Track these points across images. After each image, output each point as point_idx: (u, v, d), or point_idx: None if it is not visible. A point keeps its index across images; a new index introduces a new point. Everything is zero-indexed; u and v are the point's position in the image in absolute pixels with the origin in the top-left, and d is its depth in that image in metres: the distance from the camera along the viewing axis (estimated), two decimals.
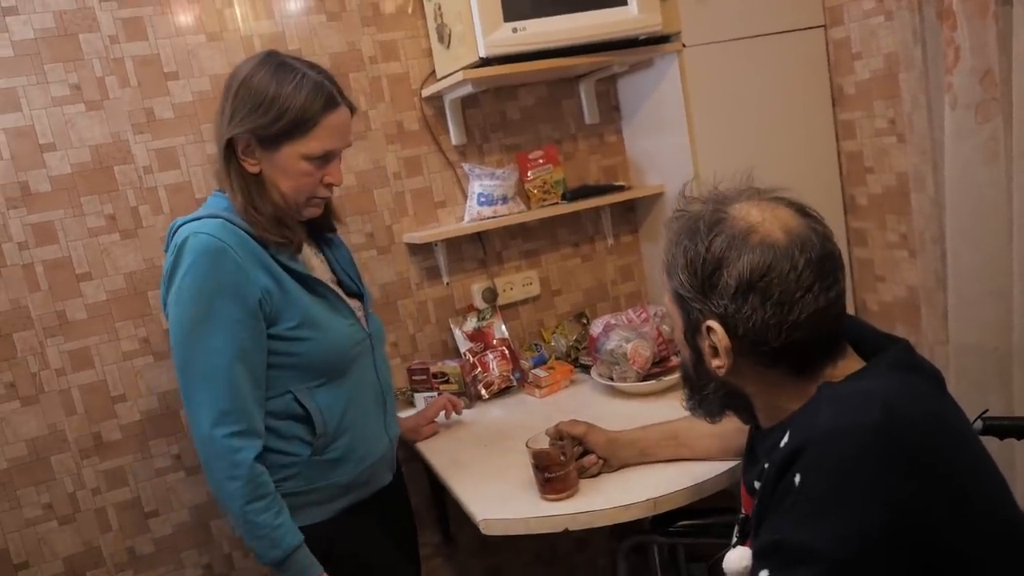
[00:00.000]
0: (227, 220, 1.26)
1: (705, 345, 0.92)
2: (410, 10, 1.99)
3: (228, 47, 1.85)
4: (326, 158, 1.31)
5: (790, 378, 0.89)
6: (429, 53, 2.01)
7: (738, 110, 1.99)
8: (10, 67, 1.67)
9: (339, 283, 1.46)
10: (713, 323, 0.88)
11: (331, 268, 1.48)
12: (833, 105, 2.09)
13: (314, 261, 1.44)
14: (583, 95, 2.18)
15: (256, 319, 1.25)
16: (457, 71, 1.78)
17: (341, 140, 1.32)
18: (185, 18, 1.80)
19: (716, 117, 1.98)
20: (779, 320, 0.84)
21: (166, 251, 1.29)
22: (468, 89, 1.86)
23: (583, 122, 2.20)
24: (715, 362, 0.91)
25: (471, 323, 2.08)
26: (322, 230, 1.48)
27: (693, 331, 0.93)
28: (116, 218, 1.78)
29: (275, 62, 1.29)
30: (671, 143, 2.04)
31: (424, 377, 1.99)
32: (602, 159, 2.24)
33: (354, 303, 1.44)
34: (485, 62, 1.74)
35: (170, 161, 1.81)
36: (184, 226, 1.26)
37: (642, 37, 1.85)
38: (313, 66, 1.32)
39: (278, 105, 1.25)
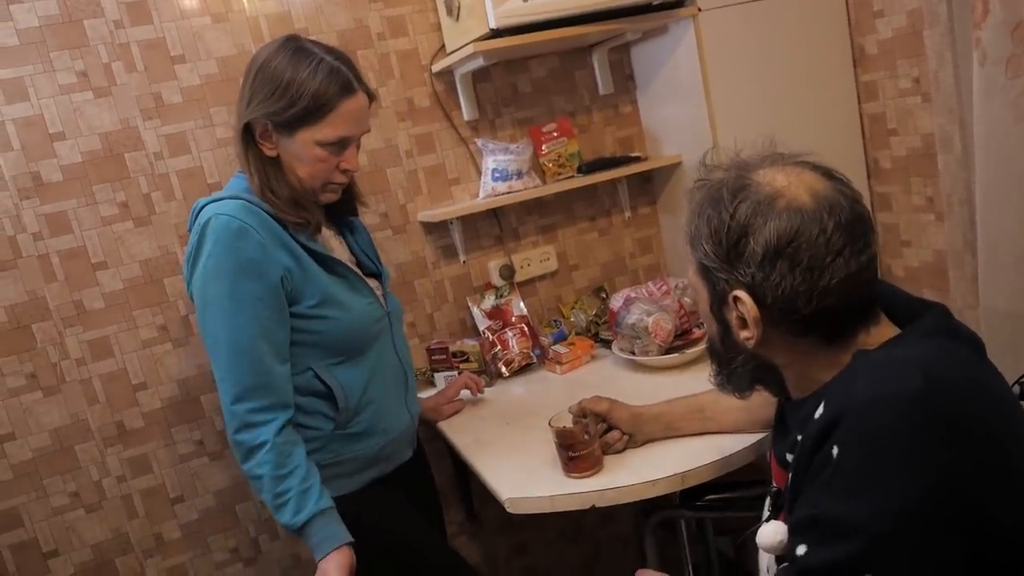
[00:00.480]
0: (248, 201, 1.27)
1: (732, 317, 0.88)
2: None
3: (234, 28, 1.82)
4: (341, 144, 1.31)
5: (822, 347, 0.86)
6: (438, 27, 1.97)
7: (757, 75, 1.94)
8: (16, 56, 1.66)
9: (358, 264, 1.46)
10: (740, 293, 0.85)
11: (351, 250, 1.48)
12: (854, 66, 2.03)
13: (333, 242, 1.45)
14: (596, 65, 2.14)
15: (278, 297, 1.26)
16: (467, 44, 1.74)
17: (357, 126, 1.32)
18: (190, 0, 1.77)
19: (734, 83, 1.92)
20: (809, 286, 0.81)
21: (189, 231, 1.30)
22: (479, 63, 1.82)
23: (597, 93, 2.16)
24: (744, 333, 0.88)
25: (489, 301, 2.06)
26: (344, 213, 1.49)
27: (719, 303, 0.90)
28: (129, 206, 1.77)
29: (293, 47, 1.29)
30: (688, 112, 1.99)
31: (443, 357, 1.97)
32: (617, 130, 2.20)
33: (372, 283, 1.45)
34: (496, 33, 1.70)
35: (181, 146, 1.79)
36: (207, 207, 1.28)
37: (655, 2, 1.80)
38: (332, 51, 1.30)
39: (293, 90, 1.25)
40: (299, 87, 1.25)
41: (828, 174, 0.86)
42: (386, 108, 1.96)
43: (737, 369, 0.95)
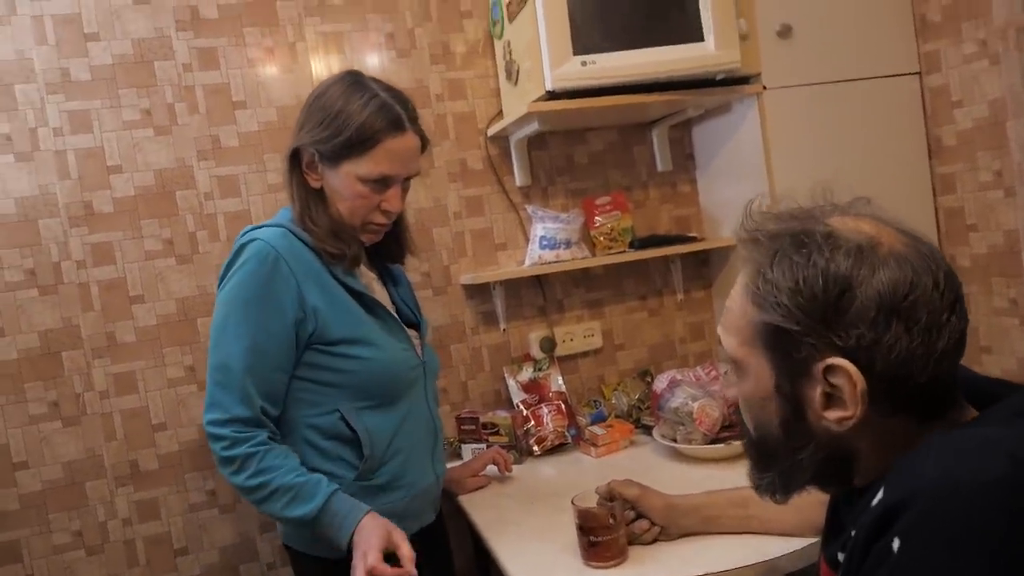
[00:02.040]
0: (289, 230, 1.26)
1: (815, 394, 0.71)
2: (480, 49, 1.95)
3: (297, 80, 1.84)
4: (384, 182, 1.28)
5: (911, 428, 0.70)
6: (497, 93, 1.97)
7: (823, 160, 1.84)
8: (87, 90, 1.71)
9: (397, 311, 1.42)
10: (838, 360, 0.68)
11: (391, 297, 1.45)
12: (930, 157, 1.91)
13: (374, 285, 1.42)
14: (655, 141, 2.09)
15: (288, 333, 1.23)
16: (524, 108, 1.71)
17: (402, 166, 1.29)
18: (257, 51, 1.82)
19: (798, 167, 1.83)
20: (927, 349, 0.67)
21: None
22: (534, 127, 1.79)
23: (655, 169, 2.11)
24: (836, 413, 0.70)
25: (527, 373, 1.97)
26: (388, 259, 1.46)
27: (796, 377, 0.72)
28: (173, 242, 1.76)
29: (351, 80, 1.29)
30: (749, 194, 1.84)
31: (473, 427, 1.86)
32: (674, 209, 2.13)
33: (411, 332, 1.41)
34: (552, 96, 1.67)
35: (231, 188, 1.80)
36: (251, 231, 1.27)
37: (719, 76, 1.75)
38: (390, 89, 1.29)
39: (341, 120, 1.24)
40: (347, 118, 1.24)
41: (899, 223, 0.74)
42: (438, 168, 1.94)
43: (801, 463, 0.75)
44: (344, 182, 1.27)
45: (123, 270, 1.73)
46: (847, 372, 0.68)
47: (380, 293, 1.41)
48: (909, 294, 0.67)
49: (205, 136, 1.78)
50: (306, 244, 1.26)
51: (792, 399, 0.73)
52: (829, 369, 0.69)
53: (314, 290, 1.24)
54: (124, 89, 1.73)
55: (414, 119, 1.29)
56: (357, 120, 1.23)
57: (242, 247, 1.24)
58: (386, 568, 1.12)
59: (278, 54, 1.83)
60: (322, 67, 1.85)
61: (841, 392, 0.69)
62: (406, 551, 1.16)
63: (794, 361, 0.71)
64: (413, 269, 1.91)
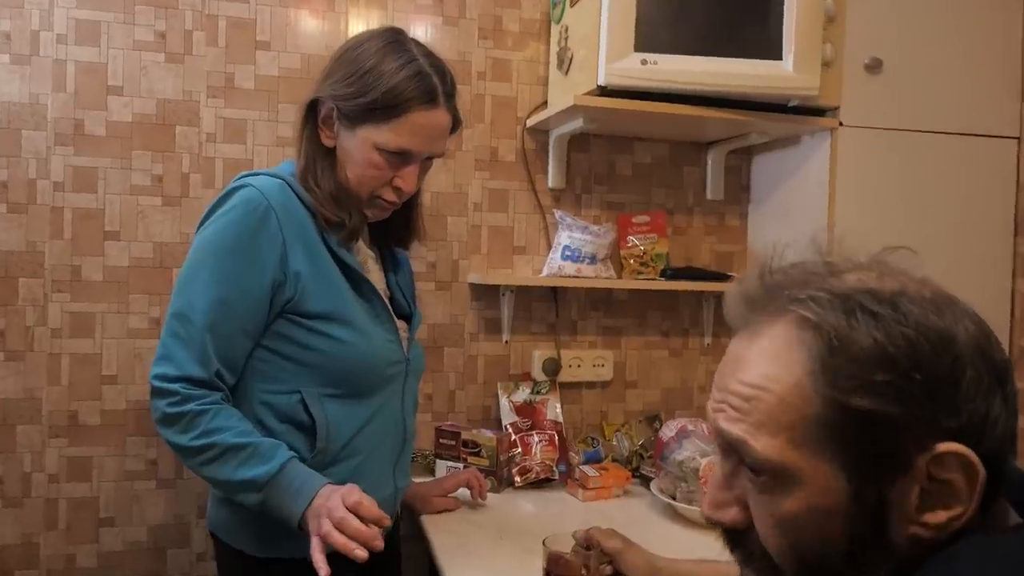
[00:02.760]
0: (288, 184, 1.24)
1: (912, 494, 0.59)
2: (536, 31, 1.93)
3: (330, 30, 1.82)
4: (402, 157, 1.25)
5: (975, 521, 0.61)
6: (544, 82, 1.94)
7: (893, 216, 1.78)
8: (99, 0, 1.69)
9: (391, 299, 1.40)
10: (953, 447, 0.58)
11: (387, 282, 1.42)
12: (1015, 234, 1.84)
13: (371, 264, 1.39)
14: (710, 164, 2.05)
15: (262, 295, 1.20)
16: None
17: (425, 143, 1.26)
18: None
19: (864, 218, 1.77)
20: (1013, 422, 0.60)
21: None
22: (578, 124, 1.76)
23: (704, 196, 2.07)
24: (939, 515, 0.59)
25: (523, 394, 1.93)
26: (393, 241, 1.44)
27: (885, 477, 0.60)
28: (163, 181, 1.74)
29: (392, 38, 1.26)
30: (802, 234, 1.83)
31: (453, 443, 1.80)
32: (718, 242, 2.08)
33: (400, 324, 1.38)
34: (603, 91, 1.63)
35: (237, 133, 1.77)
36: (245, 177, 1.25)
37: (793, 102, 1.71)
38: (431, 56, 1.27)
39: (370, 79, 1.22)
40: (377, 78, 1.21)
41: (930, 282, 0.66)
42: (466, 152, 1.91)
43: None
44: (359, 147, 1.24)
45: (103, 201, 1.71)
46: (965, 460, 0.58)
47: (375, 275, 1.38)
48: (1004, 359, 0.60)
49: (219, 72, 1.76)
50: (304, 203, 1.24)
51: (876, 508, 0.60)
52: (937, 459, 0.58)
53: (301, 253, 1.22)
54: (141, 6, 1.71)
55: (450, 95, 1.27)
56: (388, 83, 1.21)
57: (232, 191, 1.22)
58: (355, 520, 1.09)
59: None
60: (359, 22, 1.84)
61: (950, 487, 0.59)
62: (376, 512, 1.12)
63: (884, 457, 0.59)
64: (418, 257, 1.88)
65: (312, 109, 1.26)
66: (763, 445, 0.61)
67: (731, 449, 0.64)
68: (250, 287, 1.18)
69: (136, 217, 1.73)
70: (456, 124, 1.30)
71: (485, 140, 1.92)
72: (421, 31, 1.87)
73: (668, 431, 1.74)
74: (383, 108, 1.21)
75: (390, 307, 1.36)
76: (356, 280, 1.27)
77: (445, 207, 1.90)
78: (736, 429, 0.62)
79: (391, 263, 1.44)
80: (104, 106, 1.70)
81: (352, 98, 1.22)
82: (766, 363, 0.62)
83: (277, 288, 1.20)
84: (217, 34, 1.75)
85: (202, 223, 1.24)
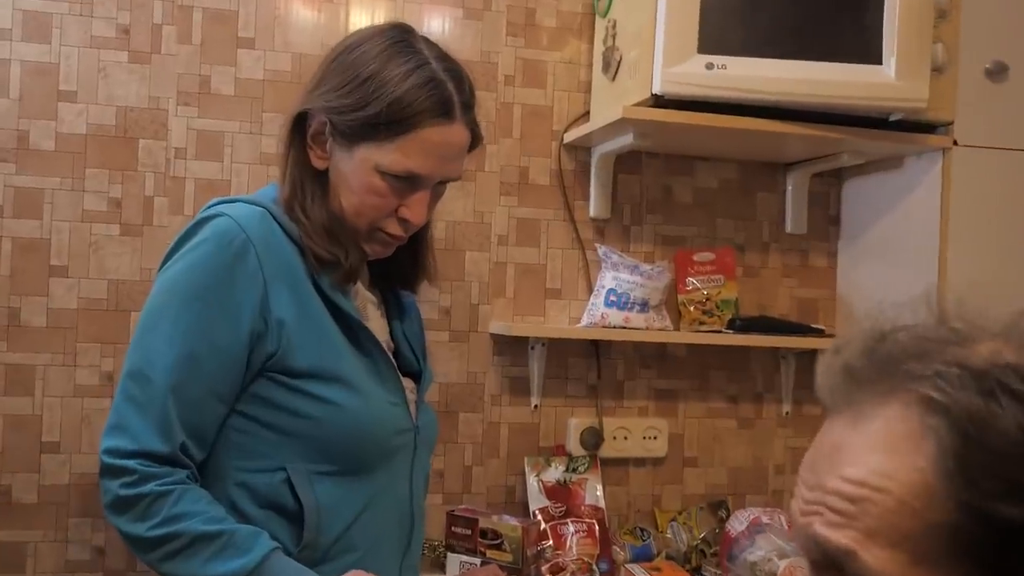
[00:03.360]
0: (270, 213, 1.24)
1: None
2: (576, 27, 1.95)
3: (327, 25, 1.85)
4: (410, 182, 1.25)
5: None
6: (587, 88, 1.96)
7: (1017, 253, 1.76)
8: None
9: (396, 352, 1.39)
10: None
11: (391, 332, 1.41)
12: None
13: (371, 311, 1.38)
14: (790, 191, 2.05)
15: (238, 349, 1.19)
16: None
17: (438, 165, 1.26)
18: None
19: (985, 258, 1.77)
20: None
21: None
22: (628, 140, 1.76)
23: (783, 229, 2.08)
24: None
25: (556, 472, 1.92)
26: (399, 282, 1.44)
27: None
28: (122, 206, 1.76)
29: (397, 37, 1.26)
30: (909, 281, 1.84)
31: (468, 531, 1.79)
32: (799, 287, 2.08)
33: (408, 383, 1.37)
34: (658, 101, 1.64)
35: (212, 149, 1.79)
36: (219, 204, 1.25)
37: (895, 116, 1.70)
38: (445, 59, 1.27)
39: (371, 88, 1.21)
40: (380, 87, 1.20)
41: None
42: (489, 174, 1.92)
43: None
44: (358, 169, 1.24)
45: (49, 229, 1.73)
46: None
47: (376, 323, 1.38)
48: None
49: (193, 75, 1.78)
50: (290, 237, 1.24)
51: None
52: None
53: (286, 297, 1.21)
54: None
55: (469, 106, 1.26)
56: (393, 92, 1.20)
57: (202, 221, 1.21)
58: None
59: None
60: (362, 14, 1.87)
61: None
62: None
63: None
64: (429, 301, 1.87)
65: (300, 123, 1.26)
66: (877, 559, 0.58)
67: (828, 563, 0.62)
68: (223, 340, 1.18)
69: (88, 249, 1.74)
70: (476, 141, 1.30)
71: (513, 158, 1.93)
72: (437, 26, 1.89)
73: (737, 523, 1.76)
74: (387, 123, 1.20)
75: (395, 362, 1.35)
76: (353, 329, 1.27)
77: (463, 240, 1.91)
78: (841, 538, 0.59)
79: (395, 309, 1.44)
80: (54, 115, 1.72)
81: (349, 111, 1.22)
82: (880, 456, 0.60)
83: (256, 340, 1.19)
84: (191, 29, 1.78)
85: (166, 260, 1.24)
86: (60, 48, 1.72)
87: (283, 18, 1.82)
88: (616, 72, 1.78)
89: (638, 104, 1.66)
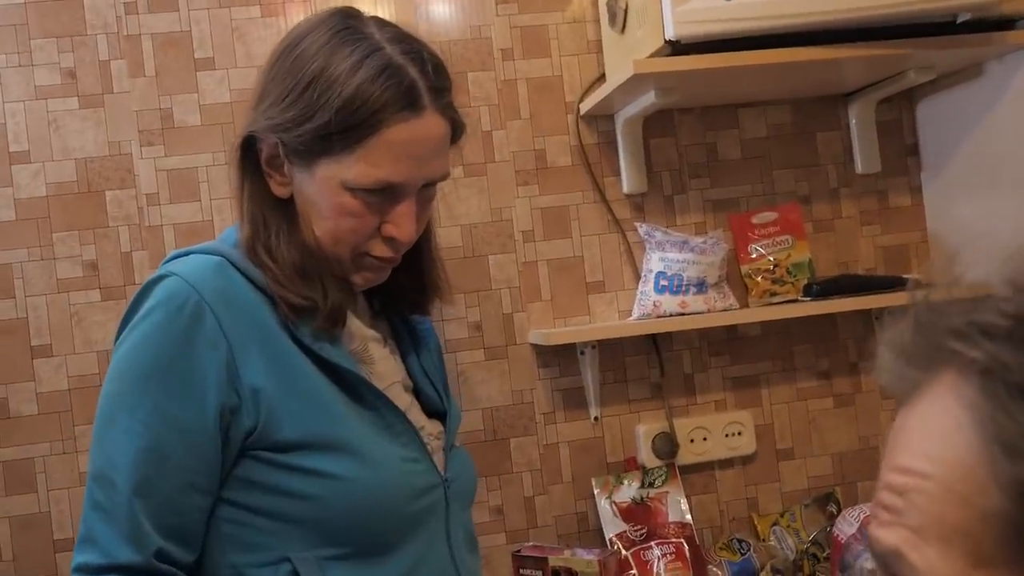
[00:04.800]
0: (229, 261, 1.17)
1: None
2: None
3: (290, 26, 1.71)
4: (387, 194, 1.17)
5: None
6: (598, 48, 1.86)
7: None
8: None
9: (416, 390, 1.33)
10: None
11: (408, 369, 1.34)
12: None
13: (376, 350, 1.29)
14: (854, 125, 1.94)
15: (208, 430, 1.11)
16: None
17: (416, 168, 1.18)
18: None
19: None
20: None
21: None
22: (650, 100, 1.63)
23: (852, 170, 1.97)
24: None
25: (629, 490, 1.84)
26: (410, 309, 1.38)
27: None
28: (99, 267, 1.72)
29: (339, 24, 1.18)
30: (1015, 209, 1.69)
31: (539, 573, 1.71)
32: (883, 234, 1.97)
33: (431, 426, 1.30)
34: (676, 48, 1.50)
35: (187, 189, 1.75)
36: (170, 262, 1.20)
37: (962, 17, 1.57)
38: (402, 39, 1.18)
39: (315, 93, 1.13)
40: (324, 89, 1.12)
41: None
42: (502, 163, 1.83)
43: None
44: (323, 191, 1.17)
45: (24, 307, 1.69)
46: None
47: (386, 364, 1.29)
48: None
49: (152, 110, 1.74)
50: (256, 284, 1.16)
51: None
52: None
53: (258, 360, 1.13)
54: (39, 40, 1.70)
55: (440, 90, 1.17)
56: (342, 92, 1.12)
57: (149, 286, 1.15)
58: None
59: None
60: (329, 5, 1.73)
61: None
62: None
63: None
64: (455, 319, 1.83)
65: (249, 149, 1.18)
66: (926, 560, 0.55)
67: (887, 570, 0.60)
68: (188, 422, 1.10)
69: (70, 322, 1.70)
70: (457, 130, 1.22)
71: (526, 142, 1.84)
72: (412, 9, 1.80)
73: (846, 525, 1.66)
74: (343, 131, 1.13)
75: (412, 406, 1.27)
76: (348, 381, 1.18)
77: (482, 243, 1.82)
78: (889, 536, 0.57)
79: (410, 340, 1.36)
80: (9, 180, 1.69)
81: (296, 125, 1.14)
82: (923, 437, 0.58)
83: (230, 416, 1.11)
84: (142, 59, 1.73)
85: (118, 336, 1.17)
86: (3, 105, 1.68)
87: (241, 29, 1.75)
88: (624, 23, 1.64)
89: (653, 55, 1.52)
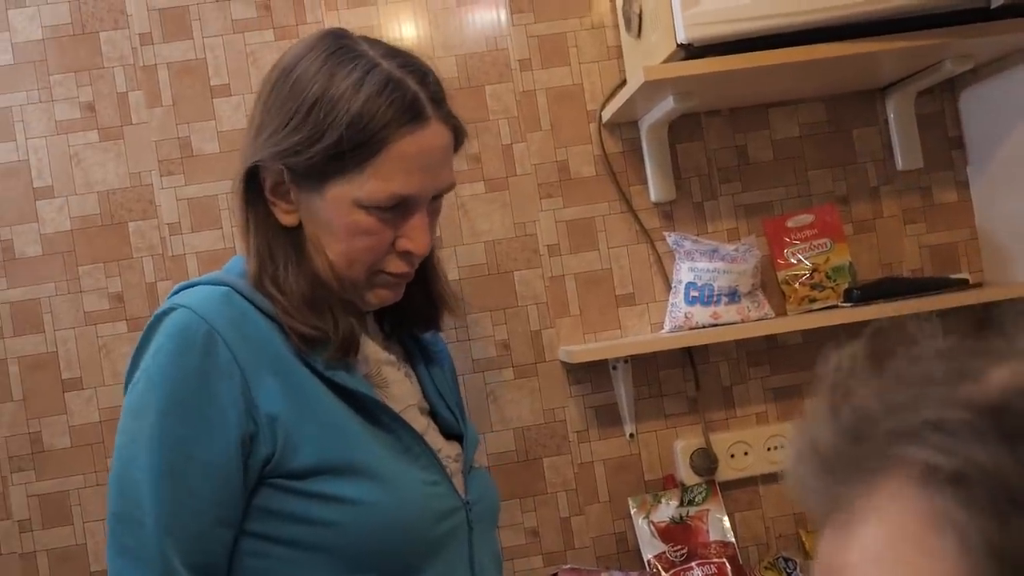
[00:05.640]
0: (235, 290, 1.18)
1: None
2: None
3: None
4: (400, 208, 1.19)
5: None
6: (619, 53, 1.82)
7: None
8: (7, 79, 1.71)
9: (432, 412, 1.33)
10: None
11: (423, 390, 1.34)
12: None
13: (391, 374, 1.30)
14: (893, 118, 1.87)
15: (230, 463, 1.12)
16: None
17: (427, 179, 1.20)
18: (246, 6, 1.76)
19: None
20: None
21: None
22: (670, 106, 1.59)
23: (893, 167, 1.90)
24: None
25: (668, 508, 1.80)
26: (422, 326, 1.38)
27: None
28: (125, 299, 1.73)
29: (332, 46, 1.20)
30: None
31: None
32: (928, 232, 1.91)
33: (449, 447, 1.30)
34: (689, 52, 1.46)
35: (208, 216, 1.75)
36: (180, 294, 1.20)
37: (997, 2, 1.48)
38: (396, 54, 1.21)
39: (320, 114, 1.15)
40: (330, 109, 1.14)
41: None
42: (523, 176, 1.82)
43: None
44: (335, 212, 1.17)
45: (54, 341, 1.71)
46: None
47: (402, 387, 1.30)
48: None
49: (171, 139, 1.75)
50: (265, 313, 1.16)
51: None
52: None
53: (273, 386, 1.14)
54: (58, 75, 1.73)
55: (440, 100, 1.19)
56: (348, 110, 1.13)
57: (156, 321, 1.16)
58: None
59: (277, 7, 1.77)
60: (345, 23, 1.76)
61: None
62: None
63: None
64: (483, 337, 1.81)
65: (252, 180, 1.19)
66: None
67: None
68: (213, 455, 1.10)
69: (99, 354, 1.72)
70: (459, 137, 1.24)
71: (547, 153, 1.82)
72: (427, 22, 1.80)
73: None
74: (353, 149, 1.14)
75: (429, 429, 1.27)
76: (366, 405, 1.18)
77: (507, 259, 1.81)
78: None
79: (422, 361, 1.36)
80: (34, 216, 1.71)
81: (305, 148, 1.15)
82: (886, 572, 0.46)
83: (250, 444, 1.12)
84: (159, 89, 1.74)
85: (129, 374, 1.17)
86: (27, 142, 1.71)
87: (256, 54, 1.76)
88: (640, 27, 1.60)
89: (668, 60, 1.48)
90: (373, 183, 1.15)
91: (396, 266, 1.21)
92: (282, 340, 1.16)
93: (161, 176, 1.73)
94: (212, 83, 1.75)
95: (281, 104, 1.17)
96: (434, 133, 1.17)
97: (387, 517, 1.15)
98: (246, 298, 1.16)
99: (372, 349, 1.27)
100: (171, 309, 1.14)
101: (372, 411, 1.19)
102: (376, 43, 1.20)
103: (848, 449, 0.49)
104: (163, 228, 1.73)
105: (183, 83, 1.74)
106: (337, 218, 1.17)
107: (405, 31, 1.79)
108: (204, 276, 1.23)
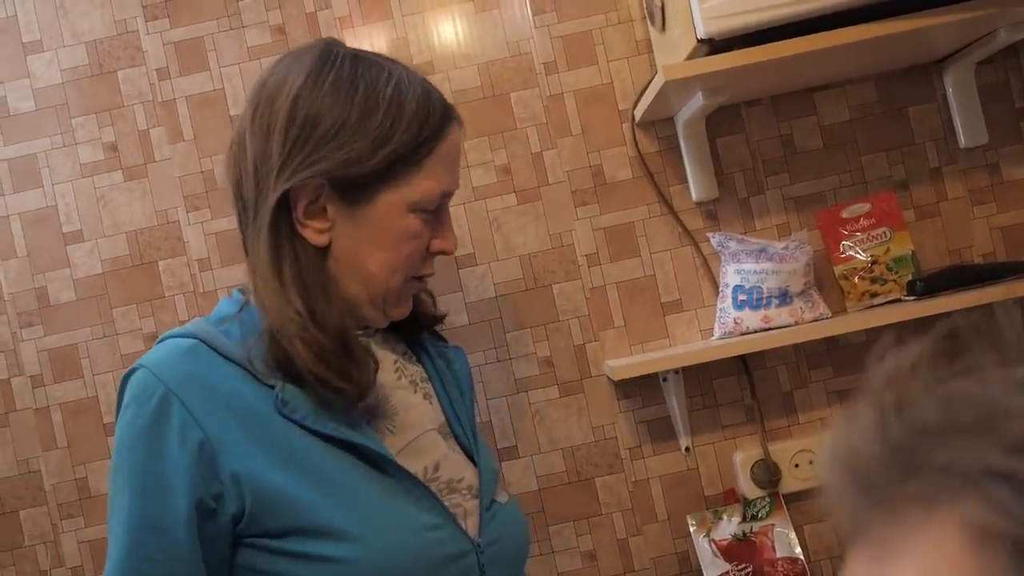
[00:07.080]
0: (205, 341, 1.15)
1: None
2: None
3: None
4: (438, 208, 1.22)
5: None
6: (647, 47, 1.78)
7: None
8: (31, 126, 1.74)
9: (451, 432, 1.31)
10: None
11: (442, 408, 1.32)
12: None
13: (405, 398, 1.27)
14: (951, 93, 1.78)
15: (186, 529, 1.09)
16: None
17: (457, 174, 1.26)
18: (262, 32, 1.77)
19: None
20: None
21: None
22: (699, 103, 1.55)
23: (955, 145, 1.82)
24: None
25: (729, 525, 1.75)
26: (430, 325, 1.39)
27: None
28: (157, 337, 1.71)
29: (347, 55, 1.19)
30: None
31: None
32: (998, 212, 1.82)
33: (474, 476, 1.27)
34: (713, 46, 1.42)
35: (236, 250, 1.67)
36: (157, 345, 1.19)
37: None
38: (389, 57, 1.24)
39: (387, 120, 1.15)
40: (396, 112, 1.15)
41: None
42: (555, 184, 1.78)
43: None
44: (387, 219, 1.17)
45: (93, 385, 1.74)
46: None
47: (415, 412, 1.25)
48: None
49: (195, 174, 1.76)
50: (234, 360, 1.13)
51: None
52: None
53: (239, 442, 1.11)
54: (79, 118, 1.75)
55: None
56: (407, 110, 1.15)
57: (124, 380, 1.16)
58: None
59: (293, 30, 1.76)
60: (362, 40, 1.77)
61: None
62: None
63: None
64: (526, 355, 1.77)
65: (283, 207, 1.15)
66: None
67: None
68: (165, 521, 1.08)
69: None
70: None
71: (580, 158, 1.78)
72: (448, 32, 1.77)
73: None
74: (413, 150, 1.16)
75: (458, 448, 1.26)
76: (357, 448, 1.14)
77: (544, 273, 1.77)
78: None
79: (440, 382, 1.33)
80: (65, 261, 1.74)
81: (370, 155, 1.14)
82: None
83: (214, 504, 1.10)
84: (179, 123, 1.75)
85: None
86: (53, 187, 1.73)
87: None
88: (663, 22, 1.55)
89: (691, 55, 1.44)
90: (426, 183, 1.16)
91: (428, 268, 1.23)
92: (254, 390, 1.13)
93: (187, 212, 1.74)
94: (231, 112, 1.75)
95: (314, 121, 1.13)
96: (459, 129, 1.23)
97: (375, 570, 1.12)
98: (214, 348, 1.14)
99: (380, 377, 1.21)
100: (135, 369, 1.14)
101: (364, 453, 1.16)
102: (370, 52, 1.21)
103: (891, 472, 0.44)
104: (192, 265, 1.74)
105: (203, 115, 1.75)
106: (389, 224, 1.16)
107: (424, 43, 1.77)
108: (180, 328, 1.20)
